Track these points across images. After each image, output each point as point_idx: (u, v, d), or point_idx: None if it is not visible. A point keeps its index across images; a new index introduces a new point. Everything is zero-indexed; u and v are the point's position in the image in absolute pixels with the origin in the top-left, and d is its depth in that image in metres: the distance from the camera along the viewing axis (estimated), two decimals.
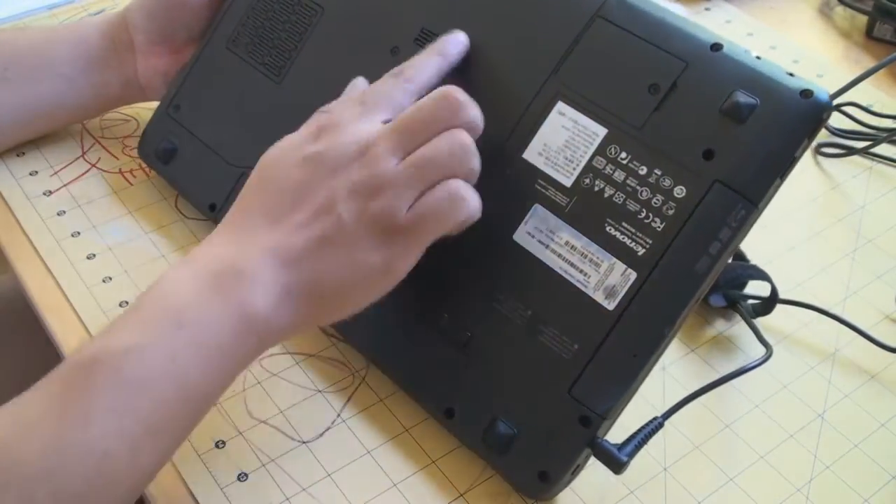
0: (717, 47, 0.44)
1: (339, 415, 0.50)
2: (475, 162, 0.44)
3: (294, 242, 0.43)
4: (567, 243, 0.46)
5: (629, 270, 0.44)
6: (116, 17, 0.62)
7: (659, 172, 0.44)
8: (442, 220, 0.44)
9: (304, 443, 0.49)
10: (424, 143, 0.44)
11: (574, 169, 0.46)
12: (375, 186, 0.43)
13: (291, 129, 0.48)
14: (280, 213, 0.44)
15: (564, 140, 0.46)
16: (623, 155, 0.45)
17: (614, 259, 0.44)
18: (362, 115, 0.45)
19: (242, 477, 0.47)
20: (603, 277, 0.45)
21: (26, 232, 0.58)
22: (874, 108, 0.69)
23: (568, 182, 0.46)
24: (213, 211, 0.57)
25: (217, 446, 0.48)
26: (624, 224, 0.45)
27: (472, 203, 0.44)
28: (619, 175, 0.45)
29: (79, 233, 0.58)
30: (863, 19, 0.78)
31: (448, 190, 0.43)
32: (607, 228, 0.45)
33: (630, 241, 0.44)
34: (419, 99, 0.45)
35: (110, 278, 0.56)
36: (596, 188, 0.45)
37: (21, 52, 0.61)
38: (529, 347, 0.46)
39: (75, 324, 0.53)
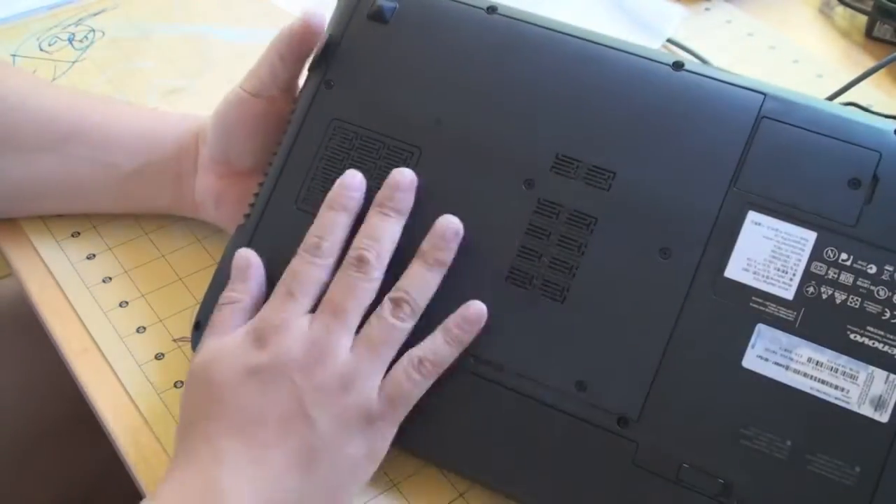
0: None
1: None
2: (417, 303, 0.45)
3: (273, 463, 0.42)
4: (810, 360, 0.42)
5: (892, 376, 0.42)
6: (193, 123, 0.56)
7: (891, 268, 0.43)
8: (414, 394, 0.44)
9: None
10: (363, 312, 0.45)
11: (791, 279, 0.43)
12: (342, 382, 0.43)
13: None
14: (244, 435, 0.42)
15: (770, 251, 0.44)
16: (843, 256, 0.43)
17: (871, 367, 0.42)
18: (293, 307, 0.45)
19: None
20: (865, 389, 0.42)
21: (26, 232, 0.58)
22: (874, 109, 0.69)
23: (789, 294, 0.43)
24: None
25: None
26: (869, 328, 0.42)
27: (437, 352, 0.45)
28: (845, 278, 0.43)
29: (79, 233, 0.58)
30: (863, 19, 0.78)
31: (410, 363, 0.44)
32: (851, 336, 0.42)
33: (882, 344, 0.42)
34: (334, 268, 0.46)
35: (110, 278, 0.56)
36: (824, 296, 0.43)
37: (87, 125, 0.56)
38: (802, 481, 0.42)
39: (75, 324, 0.53)
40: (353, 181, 0.48)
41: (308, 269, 0.46)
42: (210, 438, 0.43)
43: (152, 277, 0.56)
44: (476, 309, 0.46)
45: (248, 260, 0.48)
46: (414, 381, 0.44)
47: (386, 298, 0.45)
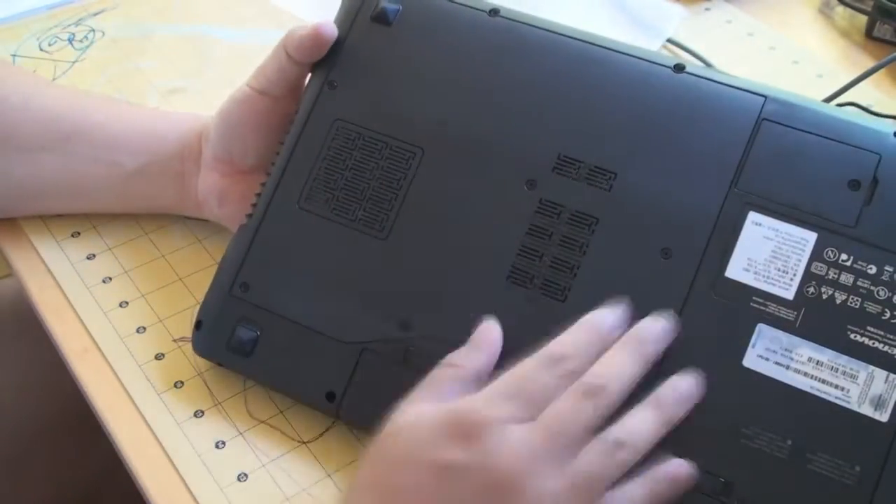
0: None
1: (337, 415, 0.50)
2: (635, 449, 0.40)
3: None
4: (811, 359, 0.43)
5: (892, 376, 0.42)
6: (196, 123, 0.56)
7: (891, 269, 0.43)
8: None
9: (304, 443, 0.49)
10: (579, 444, 0.39)
11: (792, 280, 0.43)
12: None
13: (409, 286, 0.47)
14: None
15: (771, 251, 0.44)
16: (844, 256, 0.43)
17: (871, 367, 0.42)
18: (513, 413, 0.39)
19: (242, 477, 0.47)
20: (865, 389, 0.42)
21: (26, 232, 0.58)
22: (874, 109, 0.69)
23: (789, 294, 0.43)
24: (332, 401, 0.47)
25: (217, 447, 0.48)
26: (869, 328, 0.42)
27: (635, 497, 0.40)
28: (846, 278, 0.43)
29: (79, 233, 0.58)
30: (863, 19, 0.78)
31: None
32: (851, 336, 0.42)
33: (882, 344, 0.42)
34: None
35: (110, 278, 0.56)
36: (824, 296, 0.43)
37: (90, 125, 0.56)
38: (803, 480, 0.41)
39: (75, 324, 0.53)
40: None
41: (549, 380, 0.41)
42: None
43: (152, 277, 0.56)
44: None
45: (491, 332, 0.44)
46: None
47: (608, 432, 0.40)
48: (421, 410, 0.41)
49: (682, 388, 0.42)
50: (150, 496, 0.46)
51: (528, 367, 0.41)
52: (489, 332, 0.44)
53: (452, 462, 0.38)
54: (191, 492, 0.46)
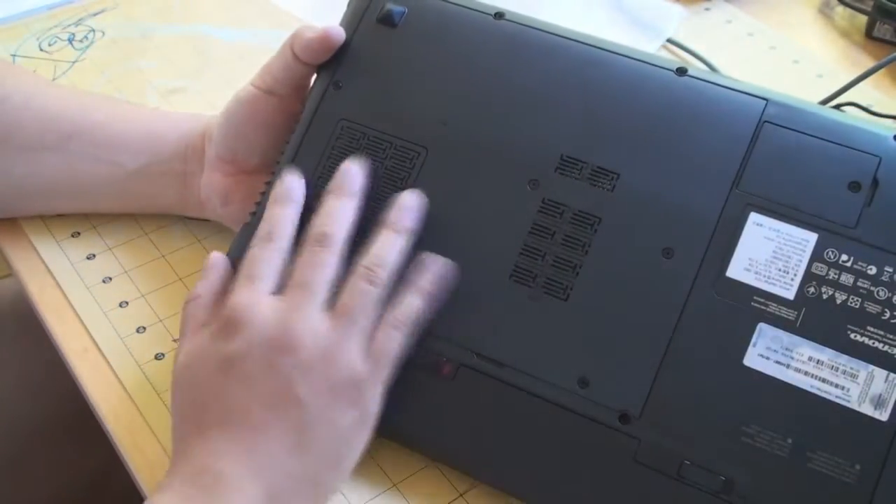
0: None
1: None
2: (392, 260, 0.45)
3: (268, 449, 0.41)
4: (811, 359, 0.43)
5: (892, 375, 0.42)
6: (199, 123, 0.56)
7: (891, 269, 0.43)
8: (395, 350, 0.44)
9: None
10: (330, 286, 0.44)
11: (792, 280, 0.44)
12: (321, 354, 0.42)
13: None
14: (234, 427, 0.42)
15: (771, 251, 0.44)
16: (844, 257, 0.44)
17: (871, 366, 0.42)
18: (256, 289, 0.45)
19: None
20: (865, 388, 0.42)
21: (26, 232, 0.58)
22: (874, 109, 0.69)
23: (790, 294, 0.44)
24: None
25: None
26: (869, 328, 0.43)
27: (416, 310, 0.45)
28: (846, 279, 0.43)
29: (79, 233, 0.58)
30: (863, 19, 0.78)
31: (385, 322, 0.44)
32: (851, 335, 0.43)
33: (882, 344, 0.42)
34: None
35: (110, 278, 0.56)
36: (824, 296, 0.43)
37: (91, 124, 0.56)
38: (803, 479, 0.42)
39: (75, 324, 0.53)
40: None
41: (265, 253, 0.46)
42: (203, 436, 0.42)
43: (152, 277, 0.56)
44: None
45: (212, 259, 0.49)
46: (391, 337, 0.44)
47: (355, 266, 0.45)
48: (192, 342, 0.45)
49: (412, 199, 0.47)
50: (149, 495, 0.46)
51: (251, 252, 0.46)
52: (207, 261, 0.49)
53: (230, 355, 0.43)
54: None
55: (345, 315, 0.44)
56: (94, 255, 0.57)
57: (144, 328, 0.53)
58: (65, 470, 0.69)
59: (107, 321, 0.54)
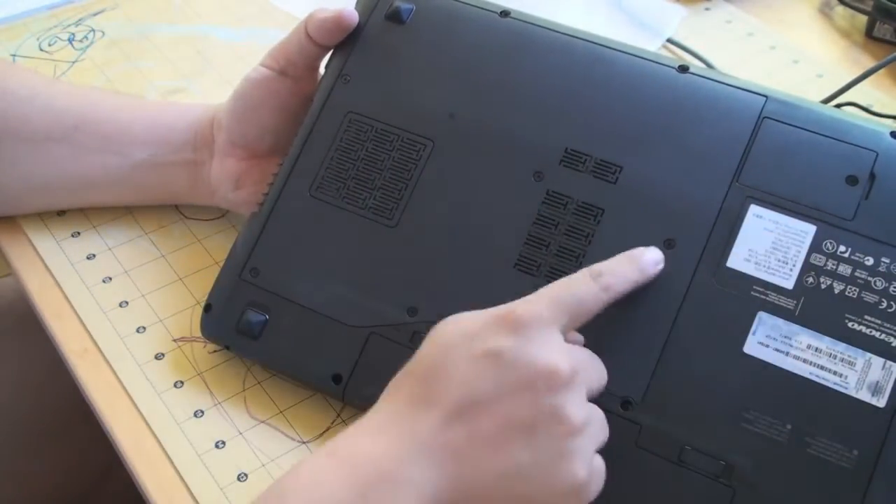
0: None
1: (338, 415, 0.50)
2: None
3: (474, 464, 0.38)
4: (810, 346, 0.44)
5: (889, 363, 0.43)
6: (206, 111, 0.56)
7: (887, 260, 0.44)
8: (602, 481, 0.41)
9: (304, 443, 0.48)
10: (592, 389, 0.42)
11: (791, 270, 0.45)
12: (579, 422, 0.39)
13: (418, 273, 0.47)
14: (460, 415, 0.39)
15: (771, 242, 0.45)
16: (842, 248, 0.45)
17: (869, 354, 0.43)
18: (553, 321, 0.41)
19: (242, 477, 0.47)
20: (862, 375, 0.43)
21: (26, 232, 0.58)
22: (874, 109, 0.69)
23: (789, 284, 0.45)
24: (338, 383, 0.48)
25: (217, 446, 0.48)
26: (866, 317, 0.44)
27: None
28: (844, 269, 0.44)
29: (79, 233, 0.58)
30: (863, 19, 0.78)
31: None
32: (849, 324, 0.44)
33: (879, 333, 0.43)
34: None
35: (110, 278, 0.56)
36: (823, 286, 0.44)
37: (97, 115, 0.56)
38: (802, 464, 0.42)
39: (75, 324, 0.53)
40: (655, 254, 0.46)
41: (585, 294, 0.42)
42: (423, 403, 0.39)
43: (152, 277, 0.56)
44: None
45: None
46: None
47: None
48: (466, 316, 0.41)
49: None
50: (149, 496, 0.46)
51: (573, 282, 0.42)
52: None
53: (502, 348, 0.39)
54: (191, 492, 0.46)
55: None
56: (94, 255, 0.57)
57: (144, 328, 0.53)
58: (65, 467, 0.69)
59: (107, 321, 0.54)
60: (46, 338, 0.54)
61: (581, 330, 0.44)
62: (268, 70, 0.53)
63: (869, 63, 0.73)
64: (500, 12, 0.52)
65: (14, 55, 0.72)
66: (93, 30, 0.74)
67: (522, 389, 0.39)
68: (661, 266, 0.45)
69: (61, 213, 0.59)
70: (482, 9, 0.53)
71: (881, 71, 0.70)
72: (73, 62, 0.71)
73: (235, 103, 0.54)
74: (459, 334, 0.40)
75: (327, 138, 0.52)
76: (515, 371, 0.39)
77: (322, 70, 0.55)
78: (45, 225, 0.59)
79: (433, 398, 0.39)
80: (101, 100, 0.58)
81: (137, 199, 0.59)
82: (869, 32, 0.77)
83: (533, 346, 0.39)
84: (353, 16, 0.53)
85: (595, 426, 0.41)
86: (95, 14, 0.76)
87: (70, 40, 0.73)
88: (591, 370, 0.42)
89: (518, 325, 0.40)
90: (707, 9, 0.80)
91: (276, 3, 0.78)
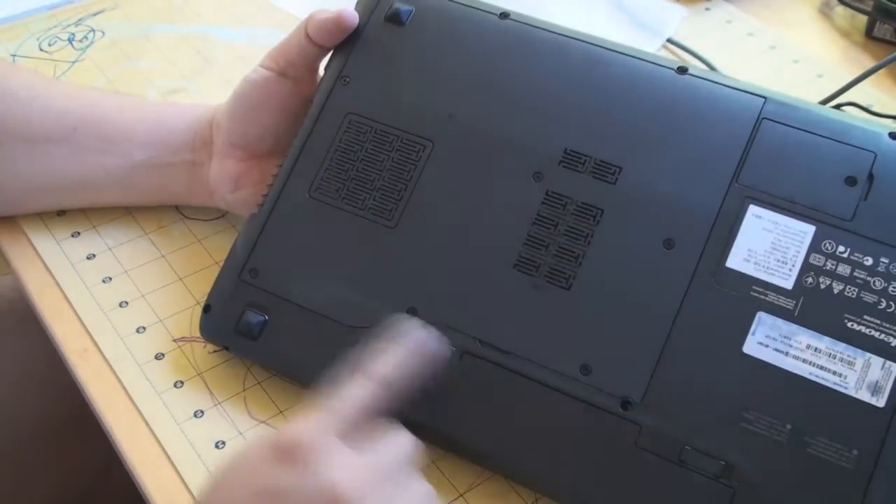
0: (895, 135, 0.46)
1: None
2: None
3: None
4: (809, 346, 0.44)
5: (888, 363, 0.43)
6: (205, 112, 0.56)
7: (886, 260, 0.44)
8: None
9: None
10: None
11: (791, 270, 0.45)
12: None
13: (417, 274, 0.48)
14: None
15: (770, 243, 0.45)
16: (841, 248, 0.45)
17: (868, 354, 0.43)
18: (327, 434, 0.39)
19: None
20: (862, 375, 0.43)
21: (26, 232, 0.58)
22: (874, 109, 0.69)
23: (788, 284, 0.45)
24: None
25: (217, 447, 0.48)
26: (866, 317, 0.44)
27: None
28: (843, 269, 0.44)
29: (79, 233, 0.58)
30: (863, 19, 0.78)
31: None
32: (849, 324, 0.44)
33: (878, 333, 0.43)
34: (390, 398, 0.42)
35: (110, 278, 0.56)
36: (822, 286, 0.44)
37: (96, 116, 0.56)
38: (802, 463, 0.42)
39: (75, 324, 0.53)
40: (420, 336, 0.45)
41: (357, 386, 0.41)
42: None
43: (152, 277, 0.56)
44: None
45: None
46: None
47: None
48: (250, 449, 0.40)
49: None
50: (149, 496, 0.46)
51: (348, 387, 0.41)
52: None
53: (278, 486, 0.38)
54: (190, 492, 0.46)
55: None
56: (94, 255, 0.57)
57: (144, 328, 0.53)
58: (64, 469, 0.69)
59: (107, 321, 0.54)
60: (46, 338, 0.54)
61: (580, 335, 0.44)
62: (267, 71, 0.53)
63: (869, 63, 0.73)
64: (500, 14, 0.52)
65: (14, 55, 0.72)
66: (93, 30, 0.74)
67: None
68: (428, 346, 0.44)
69: (61, 213, 0.59)
70: (482, 10, 0.53)
71: (881, 71, 0.70)
72: (73, 62, 0.71)
73: (235, 104, 0.54)
74: (239, 471, 0.39)
75: (327, 139, 0.52)
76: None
77: (322, 71, 0.54)
78: (45, 225, 0.59)
79: None
80: (100, 100, 0.58)
81: (136, 200, 0.59)
82: (869, 32, 0.77)
83: (308, 477, 0.37)
84: (353, 16, 0.53)
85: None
86: (95, 14, 0.76)
87: (70, 40, 0.73)
88: (386, 454, 0.40)
89: (296, 456, 0.38)
90: (707, 9, 0.80)
91: (276, 3, 0.78)
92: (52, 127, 0.55)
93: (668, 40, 0.75)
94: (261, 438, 0.40)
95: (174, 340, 0.53)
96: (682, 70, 0.49)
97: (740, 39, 0.76)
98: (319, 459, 0.38)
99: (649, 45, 0.74)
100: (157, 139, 0.56)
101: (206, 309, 0.51)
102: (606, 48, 0.51)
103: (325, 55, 0.54)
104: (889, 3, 0.75)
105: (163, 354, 0.52)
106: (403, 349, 0.43)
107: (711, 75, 0.50)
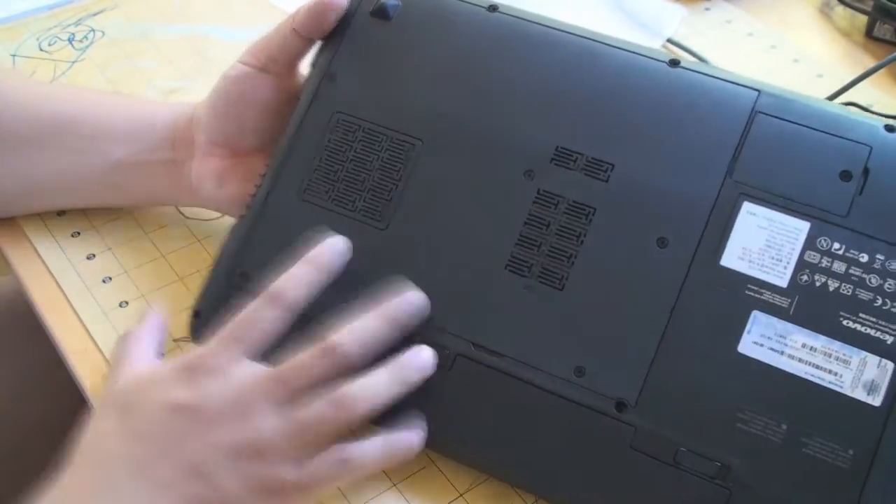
0: (891, 129, 0.45)
1: None
2: (362, 407, 0.42)
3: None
4: (804, 345, 0.43)
5: (884, 361, 0.43)
6: (185, 109, 0.55)
7: (882, 257, 0.44)
8: (331, 484, 0.43)
9: None
10: (307, 394, 0.42)
11: (785, 268, 0.44)
12: (255, 450, 0.41)
13: (408, 276, 0.47)
14: (144, 466, 0.41)
15: (765, 240, 0.45)
16: (836, 245, 0.44)
17: (864, 353, 0.43)
18: (236, 355, 0.43)
19: None
20: (857, 374, 0.43)
21: (26, 232, 0.58)
22: (874, 108, 0.69)
23: (783, 282, 0.44)
24: None
25: None
26: (861, 315, 0.43)
27: (363, 461, 0.42)
28: (838, 266, 0.44)
29: (79, 233, 0.58)
30: (863, 19, 0.78)
31: (335, 457, 0.42)
32: (844, 322, 0.43)
33: (874, 330, 0.43)
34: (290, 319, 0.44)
35: (110, 278, 0.56)
36: (817, 283, 0.44)
37: (74, 116, 0.55)
38: (797, 463, 0.42)
39: (75, 324, 0.53)
40: (340, 246, 0.48)
41: (265, 317, 0.44)
42: (107, 457, 0.42)
43: (152, 277, 0.56)
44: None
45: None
46: (334, 475, 0.43)
47: (338, 386, 0.43)
48: (150, 370, 0.45)
49: (423, 356, 0.45)
50: None
51: (251, 310, 0.45)
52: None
53: (184, 402, 0.42)
54: None
55: (300, 428, 0.42)
56: (94, 255, 0.57)
57: None
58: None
59: (107, 321, 0.54)
60: (46, 337, 0.54)
61: (573, 336, 0.44)
62: (247, 67, 0.52)
63: (869, 63, 0.73)
64: (488, 7, 0.51)
65: (14, 55, 0.72)
66: (92, 30, 0.74)
67: (212, 431, 0.41)
68: (341, 256, 0.47)
69: (61, 213, 0.59)
70: (469, 3, 0.52)
71: (881, 71, 0.70)
72: (73, 62, 0.71)
73: (214, 101, 0.53)
74: (144, 390, 0.44)
75: (315, 139, 0.51)
76: (197, 419, 0.41)
77: (305, 69, 0.54)
78: (45, 225, 0.59)
79: (130, 459, 0.41)
80: (78, 99, 0.57)
81: (123, 201, 0.58)
82: (869, 32, 0.77)
83: (214, 386, 0.42)
84: (340, 4, 0.51)
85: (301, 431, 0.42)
86: (95, 14, 0.76)
87: (70, 40, 0.73)
88: (292, 364, 0.43)
89: (199, 371, 0.43)
90: (707, 9, 0.80)
91: (275, 3, 0.78)
92: (31, 130, 0.55)
93: (668, 40, 0.75)
94: (165, 362, 0.43)
95: (174, 340, 0.53)
96: (675, 63, 0.49)
97: (740, 39, 0.76)
98: (226, 370, 0.42)
99: (649, 45, 0.74)
100: (135, 136, 0.55)
101: (196, 314, 0.50)
102: (597, 41, 0.50)
103: (307, 50, 0.53)
104: (889, 3, 0.74)
105: (162, 354, 0.52)
106: (309, 267, 0.46)
107: (704, 68, 0.49)
